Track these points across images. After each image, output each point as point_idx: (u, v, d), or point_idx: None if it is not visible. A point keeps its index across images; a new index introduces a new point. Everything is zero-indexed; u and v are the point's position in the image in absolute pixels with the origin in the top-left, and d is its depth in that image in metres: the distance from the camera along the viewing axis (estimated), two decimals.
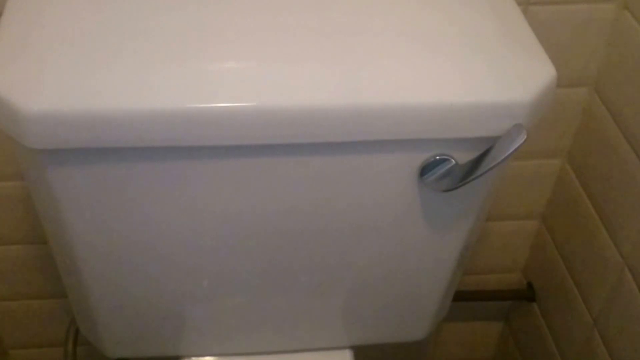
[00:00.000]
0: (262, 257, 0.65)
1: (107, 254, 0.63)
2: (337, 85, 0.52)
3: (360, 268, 0.68)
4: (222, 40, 0.55)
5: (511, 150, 0.52)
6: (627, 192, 0.79)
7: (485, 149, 0.54)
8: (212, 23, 0.57)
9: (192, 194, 0.58)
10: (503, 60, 0.56)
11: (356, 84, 0.53)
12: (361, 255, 0.66)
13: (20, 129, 0.50)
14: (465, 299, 1.05)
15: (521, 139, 0.52)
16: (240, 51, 0.55)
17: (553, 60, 0.57)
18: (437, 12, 0.60)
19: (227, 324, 0.73)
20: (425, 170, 0.58)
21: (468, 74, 0.54)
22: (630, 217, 0.79)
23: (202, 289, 0.68)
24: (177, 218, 0.60)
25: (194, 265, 0.65)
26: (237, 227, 0.62)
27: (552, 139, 0.89)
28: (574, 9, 0.76)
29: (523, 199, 0.97)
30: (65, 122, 0.50)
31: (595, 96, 0.84)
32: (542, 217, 1.00)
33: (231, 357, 0.78)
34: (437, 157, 0.57)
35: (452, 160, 0.57)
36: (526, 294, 1.05)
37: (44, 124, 0.50)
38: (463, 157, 0.56)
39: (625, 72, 0.78)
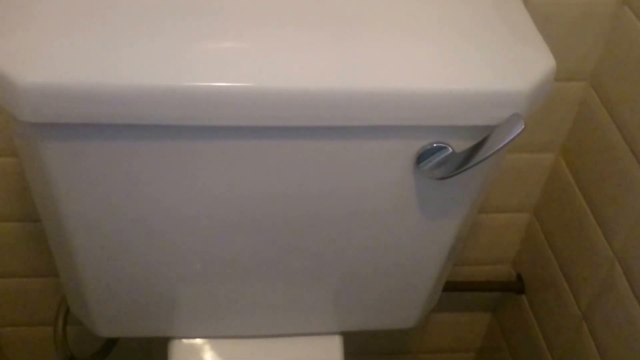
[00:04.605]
0: (254, 240, 0.65)
1: (100, 232, 0.63)
2: (336, 68, 0.52)
3: (353, 254, 0.68)
4: (223, 21, 0.55)
5: (508, 139, 0.52)
6: (620, 187, 0.80)
7: (483, 137, 0.54)
8: (212, 3, 0.56)
9: (187, 174, 0.58)
10: (502, 49, 0.56)
11: (355, 68, 0.53)
12: (354, 241, 0.66)
13: (14, 101, 0.50)
14: (455, 289, 1.05)
15: (518, 128, 0.52)
16: (239, 32, 0.54)
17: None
18: (438, 1, 0.60)
19: (218, 307, 0.73)
20: (421, 157, 0.58)
21: (467, 61, 0.54)
22: (622, 212, 0.80)
23: (195, 270, 0.68)
24: (172, 198, 0.60)
25: (187, 246, 0.65)
26: (230, 209, 0.62)
27: (547, 132, 0.90)
28: (574, 2, 0.76)
29: (516, 192, 0.97)
30: (61, 96, 0.49)
31: (591, 91, 0.84)
32: (534, 210, 1.00)
33: (221, 340, 0.78)
34: (434, 145, 0.57)
35: (449, 148, 0.57)
36: (515, 286, 1.05)
37: (39, 96, 0.49)
38: (460, 145, 0.56)
39: (622, 68, 0.78)
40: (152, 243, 0.64)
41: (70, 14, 0.53)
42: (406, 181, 0.60)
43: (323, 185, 0.60)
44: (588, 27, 0.79)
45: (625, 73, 0.77)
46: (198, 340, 0.78)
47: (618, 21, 0.77)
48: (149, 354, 1.09)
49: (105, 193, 0.59)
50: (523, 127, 0.52)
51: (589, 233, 0.86)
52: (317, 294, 0.73)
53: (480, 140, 0.54)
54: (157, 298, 0.71)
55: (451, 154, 0.57)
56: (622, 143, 0.78)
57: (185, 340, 0.78)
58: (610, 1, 0.76)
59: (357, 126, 0.55)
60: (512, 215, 1.01)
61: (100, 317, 0.73)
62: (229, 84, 0.51)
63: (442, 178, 0.58)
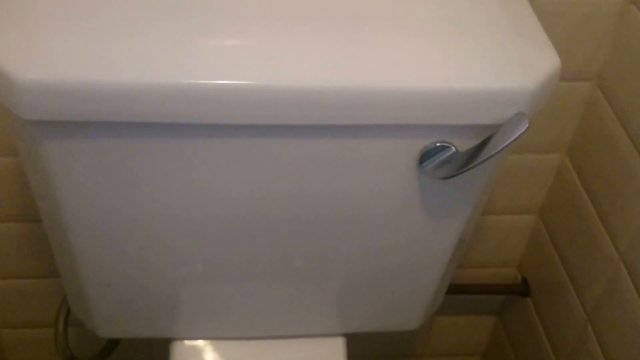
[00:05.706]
0: (255, 241, 0.65)
1: (101, 232, 0.62)
2: (339, 67, 0.52)
3: (355, 254, 0.67)
4: (224, 18, 0.55)
5: (512, 138, 0.52)
6: (626, 188, 0.79)
7: (486, 136, 0.54)
8: (213, 1, 0.56)
9: (188, 173, 0.58)
10: (507, 48, 0.55)
11: (358, 67, 0.52)
12: (356, 241, 0.66)
13: (14, 98, 0.49)
14: (460, 292, 1.05)
15: (523, 127, 0.51)
16: (241, 30, 0.54)
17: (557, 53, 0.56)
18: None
19: (220, 308, 0.73)
20: (425, 157, 0.57)
21: (471, 60, 0.54)
22: (628, 214, 0.79)
23: (196, 271, 0.67)
24: (173, 197, 0.59)
25: (188, 247, 0.65)
26: (232, 210, 0.61)
27: (553, 133, 0.89)
28: (580, 1, 0.76)
29: (521, 194, 0.96)
30: (61, 93, 0.49)
31: (597, 91, 0.83)
32: (539, 212, 0.99)
33: (223, 341, 0.77)
34: (438, 144, 0.56)
35: (453, 147, 0.56)
36: (521, 289, 1.05)
37: (38, 93, 0.49)
38: (463, 144, 0.56)
39: (629, 68, 0.77)
40: (153, 243, 0.64)
41: (70, 11, 0.53)
42: (409, 181, 0.60)
43: (325, 184, 0.59)
44: (594, 26, 0.78)
45: (632, 73, 0.76)
46: (200, 342, 0.77)
47: (624, 21, 0.77)
48: (150, 355, 1.09)
49: (105, 191, 0.59)
50: (527, 126, 0.51)
51: (595, 235, 0.86)
52: (320, 295, 0.73)
53: (484, 140, 0.54)
54: (159, 298, 0.71)
55: (454, 153, 0.56)
56: (629, 144, 0.78)
57: (186, 342, 0.77)
58: (616, 0, 0.76)
59: (360, 125, 0.54)
60: (517, 217, 1.00)
61: (101, 317, 0.73)
62: (231, 82, 0.50)
63: (445, 178, 0.57)
